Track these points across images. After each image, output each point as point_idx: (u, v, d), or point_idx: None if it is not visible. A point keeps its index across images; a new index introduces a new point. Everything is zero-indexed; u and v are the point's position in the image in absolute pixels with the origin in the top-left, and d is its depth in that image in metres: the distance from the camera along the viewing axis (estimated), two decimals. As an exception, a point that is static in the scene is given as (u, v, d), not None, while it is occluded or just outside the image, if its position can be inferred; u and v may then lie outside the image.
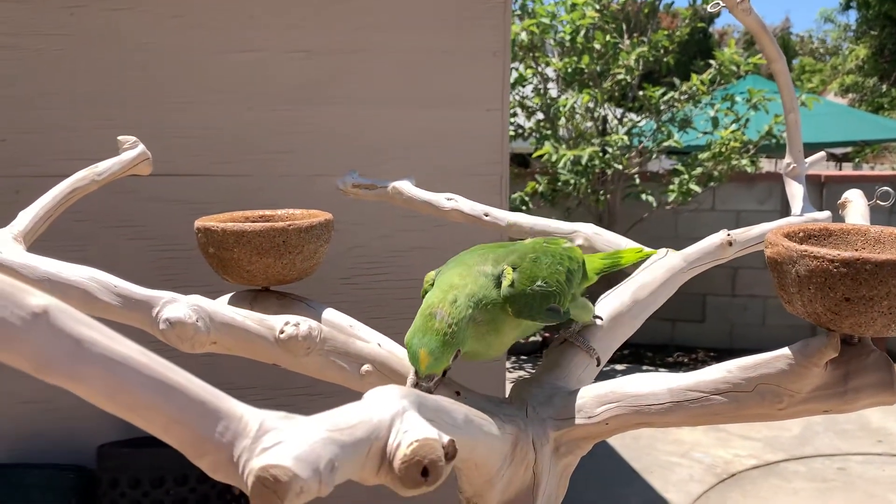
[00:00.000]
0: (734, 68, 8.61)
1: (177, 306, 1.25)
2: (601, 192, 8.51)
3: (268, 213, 1.80)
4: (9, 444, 3.16)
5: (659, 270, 1.62)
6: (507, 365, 8.58)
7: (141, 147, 1.70)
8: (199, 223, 1.63)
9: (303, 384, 2.94)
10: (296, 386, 3.13)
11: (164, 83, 3.01)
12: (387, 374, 1.41)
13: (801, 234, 1.32)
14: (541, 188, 8.51)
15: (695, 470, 6.07)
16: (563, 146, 8.39)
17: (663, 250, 1.70)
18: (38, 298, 0.67)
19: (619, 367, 8.70)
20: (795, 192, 2.03)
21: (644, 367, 8.61)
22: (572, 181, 8.20)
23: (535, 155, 8.57)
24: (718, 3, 2.01)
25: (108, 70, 2.96)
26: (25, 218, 1.46)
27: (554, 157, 8.11)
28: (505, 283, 1.24)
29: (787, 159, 2.07)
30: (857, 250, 1.32)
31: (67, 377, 0.68)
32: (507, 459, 1.31)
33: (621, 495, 5.64)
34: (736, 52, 8.82)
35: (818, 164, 2.35)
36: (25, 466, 3.18)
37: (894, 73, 23.27)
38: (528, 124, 9.02)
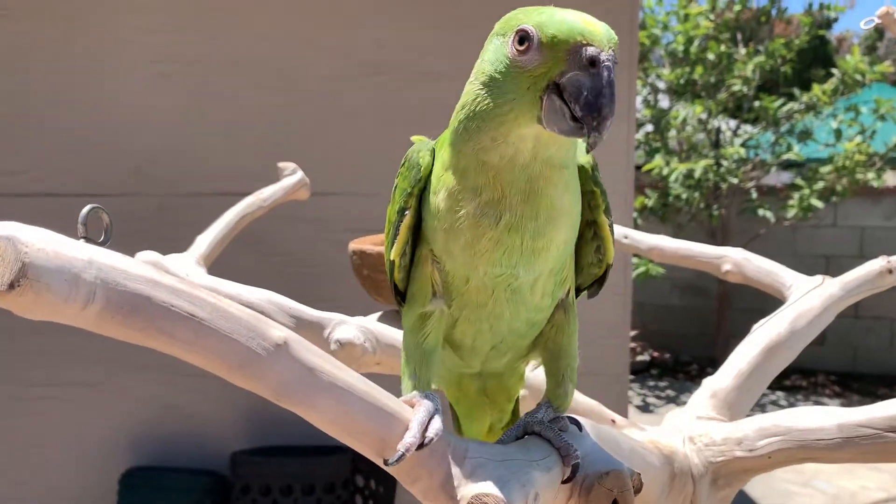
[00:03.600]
0: (858, 77, 8.20)
1: (347, 328, 1.31)
2: (715, 206, 8.27)
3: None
4: (150, 447, 3.36)
5: (816, 299, 1.57)
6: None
7: (300, 173, 1.79)
8: (353, 246, 1.70)
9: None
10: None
11: (297, 105, 3.15)
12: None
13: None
14: (650, 203, 8.35)
15: (816, 500, 5.78)
16: (675, 159, 8.21)
17: (819, 277, 1.65)
18: (279, 331, 0.73)
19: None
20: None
21: (759, 389, 8.29)
22: (684, 195, 8.00)
23: (645, 168, 8.43)
24: (873, 20, 1.94)
25: (243, 93, 3.13)
26: (203, 242, 1.56)
27: (665, 171, 7.95)
28: None
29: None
30: None
31: (303, 404, 0.74)
32: (665, 489, 1.30)
33: (738, 522, 5.44)
34: (861, 61, 8.40)
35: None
36: (164, 469, 3.37)
37: None
38: (637, 136, 8.88)
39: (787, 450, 1.30)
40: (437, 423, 0.81)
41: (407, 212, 0.91)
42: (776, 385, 8.47)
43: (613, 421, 1.38)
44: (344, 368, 0.77)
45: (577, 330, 1.04)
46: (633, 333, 9.43)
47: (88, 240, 0.71)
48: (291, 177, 1.76)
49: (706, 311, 8.83)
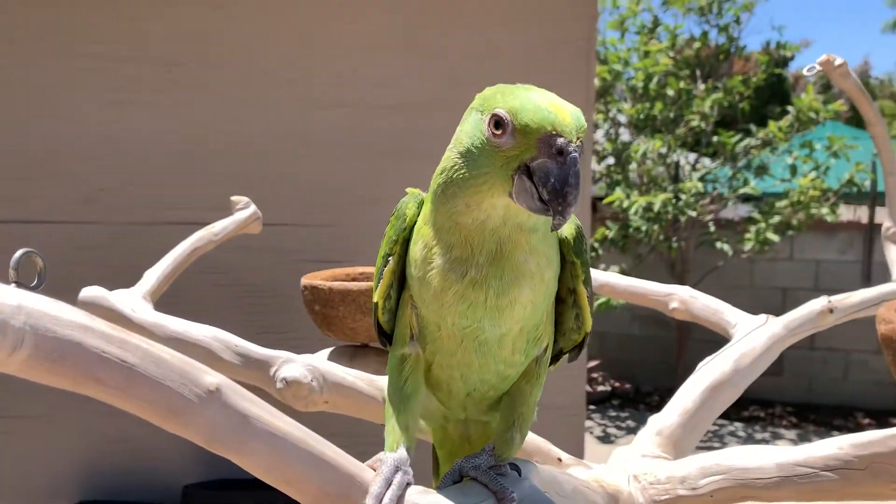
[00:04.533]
0: (813, 115, 8.45)
1: (293, 366, 1.31)
2: (674, 239, 8.41)
3: (368, 269, 1.87)
4: (99, 481, 3.28)
5: (760, 338, 1.60)
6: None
7: (253, 207, 1.79)
8: (305, 281, 1.70)
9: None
10: (375, 434, 3.18)
11: (254, 136, 3.15)
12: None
13: (915, 310, 1.30)
14: (611, 234, 8.46)
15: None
16: (635, 192, 8.34)
17: (763, 317, 1.69)
18: (211, 377, 0.73)
19: (691, 418, 8.47)
20: (895, 257, 1.99)
21: (718, 421, 8.37)
22: (644, 227, 8.13)
23: (606, 200, 8.55)
24: (815, 67, 2.01)
25: (202, 122, 3.12)
26: (151, 277, 1.55)
27: (625, 203, 8.07)
28: None
29: (887, 223, 2.03)
30: (974, 328, 1.30)
31: (235, 451, 0.74)
32: (610, 528, 1.31)
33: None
34: (814, 99, 8.66)
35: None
36: None
37: (981, 117, 22.41)
38: (598, 168, 9.01)
39: (728, 488, 1.32)
40: (398, 478, 0.84)
41: (391, 258, 0.97)
42: (735, 416, 8.57)
43: (560, 459, 1.38)
44: (279, 416, 0.77)
45: (541, 387, 1.07)
46: (594, 364, 9.50)
47: (20, 284, 0.71)
48: (244, 211, 1.76)
49: (666, 341, 8.93)
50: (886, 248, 2.06)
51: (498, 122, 0.83)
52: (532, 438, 1.41)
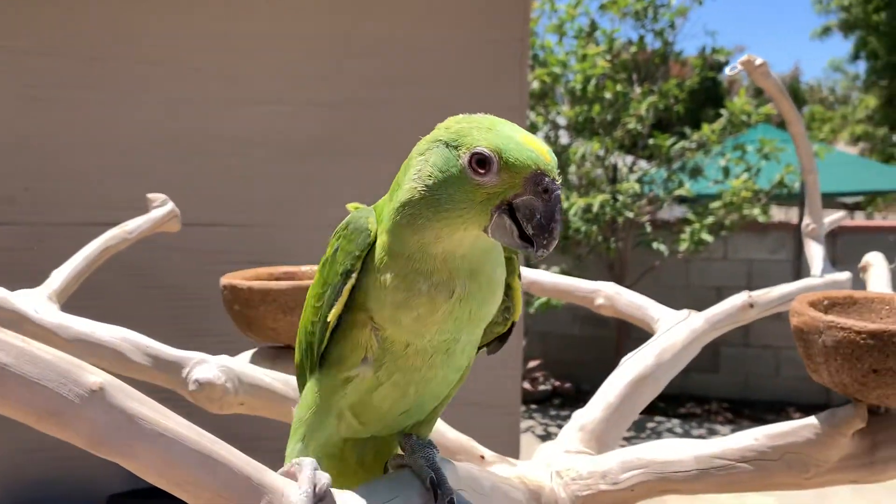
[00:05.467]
0: (745, 118, 8.68)
1: (206, 367, 1.27)
2: (612, 239, 8.54)
3: (291, 269, 1.83)
4: (21, 492, 3.15)
5: (682, 333, 1.62)
6: (518, 412, 8.52)
7: (170, 205, 1.73)
8: (225, 280, 1.65)
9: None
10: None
11: (183, 134, 3.08)
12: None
13: (825, 303, 1.33)
14: (552, 235, 8.52)
15: (709, 524, 5.95)
16: (574, 194, 8.45)
17: (685, 312, 1.71)
18: (94, 376, 0.70)
19: (630, 416, 8.61)
20: (815, 252, 2.04)
21: (656, 418, 8.52)
22: (583, 229, 8.23)
23: (546, 202, 8.58)
24: (737, 67, 2.05)
25: (130, 120, 3.03)
26: (59, 277, 1.48)
27: (565, 205, 8.16)
28: None
29: (807, 220, 2.09)
30: (881, 319, 1.33)
31: (121, 453, 0.70)
32: (533, 525, 1.30)
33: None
34: (746, 102, 8.90)
35: (828, 213, 2.36)
36: (37, 514, 3.17)
37: (904, 122, 23.39)
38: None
39: (648, 482, 1.33)
40: (324, 478, 0.84)
41: (354, 274, 0.92)
42: (672, 413, 8.74)
43: (482, 457, 1.37)
44: (171, 416, 0.73)
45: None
46: (535, 364, 9.58)
47: None
48: (161, 208, 1.70)
49: (606, 340, 9.05)
50: (807, 244, 2.11)
51: (481, 160, 0.83)
52: (456, 436, 1.40)
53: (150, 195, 1.73)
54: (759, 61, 1.99)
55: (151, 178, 2.94)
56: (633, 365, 1.55)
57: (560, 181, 0.86)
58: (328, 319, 0.93)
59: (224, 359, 1.30)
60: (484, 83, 3.32)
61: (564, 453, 1.43)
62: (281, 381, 1.33)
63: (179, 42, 3.04)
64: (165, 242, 3.02)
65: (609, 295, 1.82)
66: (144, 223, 1.65)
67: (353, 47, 3.19)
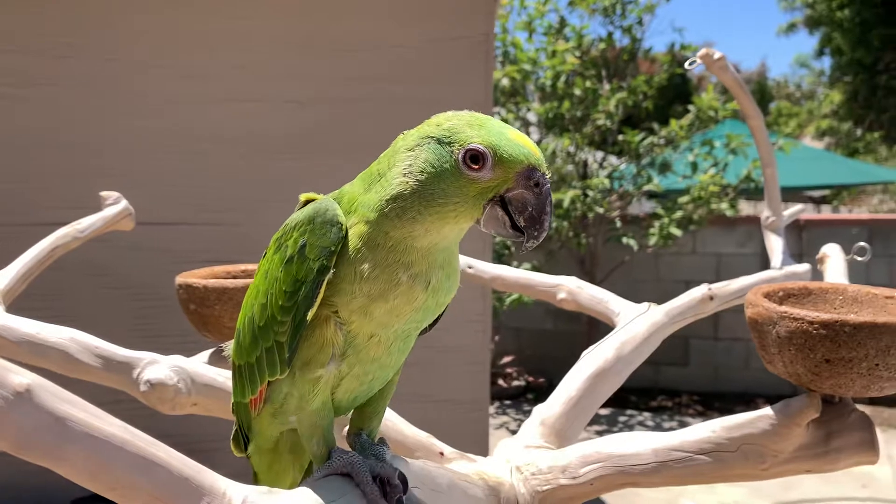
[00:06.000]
0: (712, 113, 8.77)
1: (158, 368, 1.24)
2: (583, 235, 8.58)
3: (250, 267, 1.80)
4: (-19, 497, 3.09)
5: (642, 326, 1.62)
6: (491, 410, 8.53)
7: (124, 203, 1.70)
8: (180, 279, 1.62)
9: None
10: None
11: (150, 132, 3.02)
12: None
13: (780, 294, 1.34)
14: (523, 231, 8.54)
15: (680, 516, 6.01)
16: (546, 190, 8.46)
17: (645, 305, 1.71)
18: (20, 377, 0.67)
19: (603, 411, 8.67)
20: (774, 245, 2.06)
21: (628, 411, 8.58)
22: (554, 224, 8.26)
23: (517, 198, 8.60)
24: (696, 61, 2.06)
25: (95, 119, 2.97)
26: (5, 277, 1.44)
27: (536, 201, 8.16)
28: None
29: (766, 212, 2.10)
30: (835, 310, 1.34)
31: (50, 456, 0.68)
32: (493, 521, 1.29)
33: (606, 543, 5.57)
34: (714, 98, 8.99)
35: (795, 206, 2.39)
36: (-2, 520, 3.11)
37: (868, 117, 23.82)
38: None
39: (607, 476, 1.32)
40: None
41: (331, 270, 0.90)
42: (644, 406, 8.81)
43: (441, 453, 1.36)
44: (104, 417, 0.71)
45: None
46: (509, 359, 9.60)
47: None
48: (114, 206, 1.66)
49: (578, 335, 9.09)
50: (766, 237, 2.13)
51: (475, 157, 0.86)
52: (414, 433, 1.38)
53: (103, 193, 1.70)
54: (717, 55, 2.00)
55: (116, 176, 2.89)
56: (593, 359, 1.55)
57: (549, 175, 0.88)
58: (307, 318, 0.91)
59: (176, 359, 1.27)
60: (450, 79, 3.31)
61: (524, 448, 1.42)
62: (236, 380, 1.30)
63: (147, 39, 2.99)
64: (128, 242, 2.97)
65: (571, 289, 1.82)
66: (97, 221, 1.61)
67: (321, 45, 3.17)
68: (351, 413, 1.07)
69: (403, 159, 0.90)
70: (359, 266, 0.90)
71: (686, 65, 2.08)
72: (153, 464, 0.72)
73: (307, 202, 1.00)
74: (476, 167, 0.86)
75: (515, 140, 0.87)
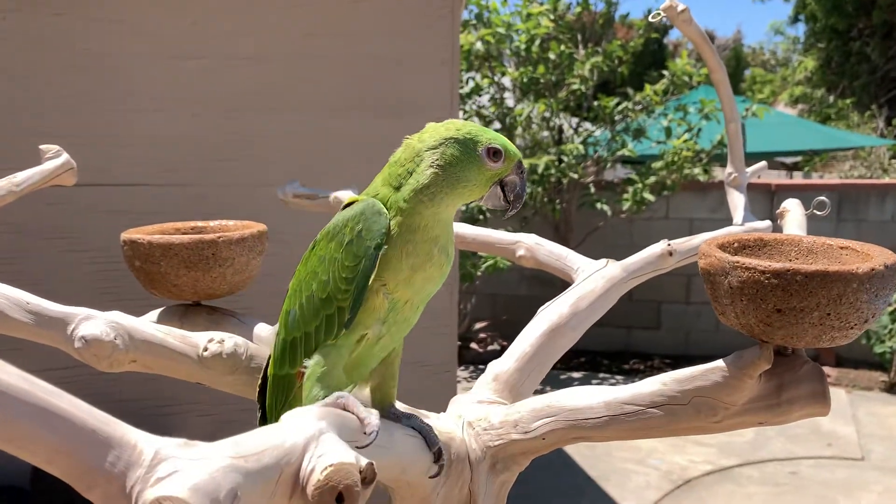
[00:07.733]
0: (686, 79, 8.74)
1: (93, 323, 1.19)
2: (557, 201, 8.56)
3: (200, 224, 1.74)
4: (-61, 465, 3.03)
5: (599, 281, 1.60)
6: (465, 374, 8.56)
7: (65, 156, 1.63)
8: (125, 235, 1.57)
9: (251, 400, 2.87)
10: (244, 401, 3.06)
11: (103, 90, 2.93)
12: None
13: (735, 245, 1.31)
14: (497, 197, 8.50)
15: (651, 477, 6.10)
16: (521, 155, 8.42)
17: (603, 261, 1.68)
18: None
19: (576, 374, 8.74)
20: (737, 201, 2.04)
21: (601, 375, 8.66)
22: (529, 190, 8.22)
23: (491, 164, 8.55)
24: (659, 14, 2.01)
25: (46, 76, 2.87)
26: (-66, 231, 1.38)
27: (510, 166, 8.12)
28: None
29: (729, 169, 2.08)
30: (790, 261, 1.32)
31: (-65, 408, 0.63)
32: (442, 478, 1.27)
33: (577, 504, 5.65)
34: (688, 63, 8.96)
35: (768, 173, 2.37)
36: (-43, 488, 3.05)
37: (841, 84, 23.93)
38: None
39: (559, 430, 1.30)
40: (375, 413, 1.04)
41: (385, 247, 1.12)
42: (616, 370, 8.89)
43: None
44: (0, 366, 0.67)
45: None
46: (483, 324, 9.62)
47: None
48: (54, 160, 1.59)
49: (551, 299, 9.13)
50: (729, 193, 2.10)
51: (497, 152, 1.14)
52: (365, 391, 1.35)
53: (42, 146, 1.62)
54: (680, 7, 1.96)
55: (64, 136, 2.80)
56: (548, 314, 1.52)
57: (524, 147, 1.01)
58: (368, 286, 1.12)
59: (114, 314, 1.22)
60: (415, 37, 3.23)
61: (477, 403, 1.40)
62: (177, 336, 1.26)
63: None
64: (87, 204, 2.89)
65: (529, 246, 1.79)
66: (35, 175, 1.54)
67: (276, 0, 3.07)
68: (372, 395, 1.27)
69: (429, 156, 1.14)
70: (402, 246, 1.13)
71: (650, 18, 2.04)
72: (54, 415, 0.68)
73: (349, 203, 1.19)
74: (496, 160, 1.14)
75: (511, 143, 1.18)
